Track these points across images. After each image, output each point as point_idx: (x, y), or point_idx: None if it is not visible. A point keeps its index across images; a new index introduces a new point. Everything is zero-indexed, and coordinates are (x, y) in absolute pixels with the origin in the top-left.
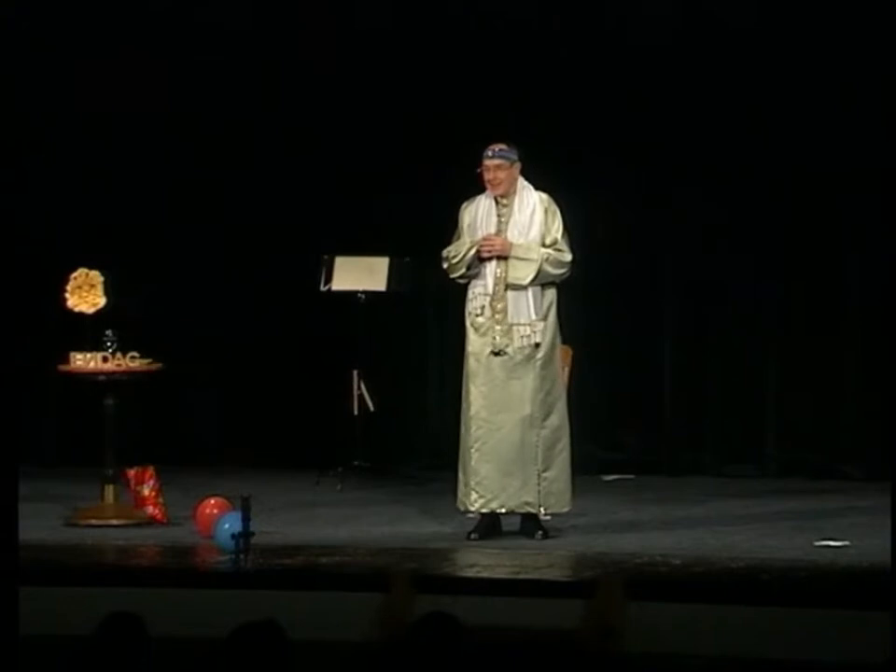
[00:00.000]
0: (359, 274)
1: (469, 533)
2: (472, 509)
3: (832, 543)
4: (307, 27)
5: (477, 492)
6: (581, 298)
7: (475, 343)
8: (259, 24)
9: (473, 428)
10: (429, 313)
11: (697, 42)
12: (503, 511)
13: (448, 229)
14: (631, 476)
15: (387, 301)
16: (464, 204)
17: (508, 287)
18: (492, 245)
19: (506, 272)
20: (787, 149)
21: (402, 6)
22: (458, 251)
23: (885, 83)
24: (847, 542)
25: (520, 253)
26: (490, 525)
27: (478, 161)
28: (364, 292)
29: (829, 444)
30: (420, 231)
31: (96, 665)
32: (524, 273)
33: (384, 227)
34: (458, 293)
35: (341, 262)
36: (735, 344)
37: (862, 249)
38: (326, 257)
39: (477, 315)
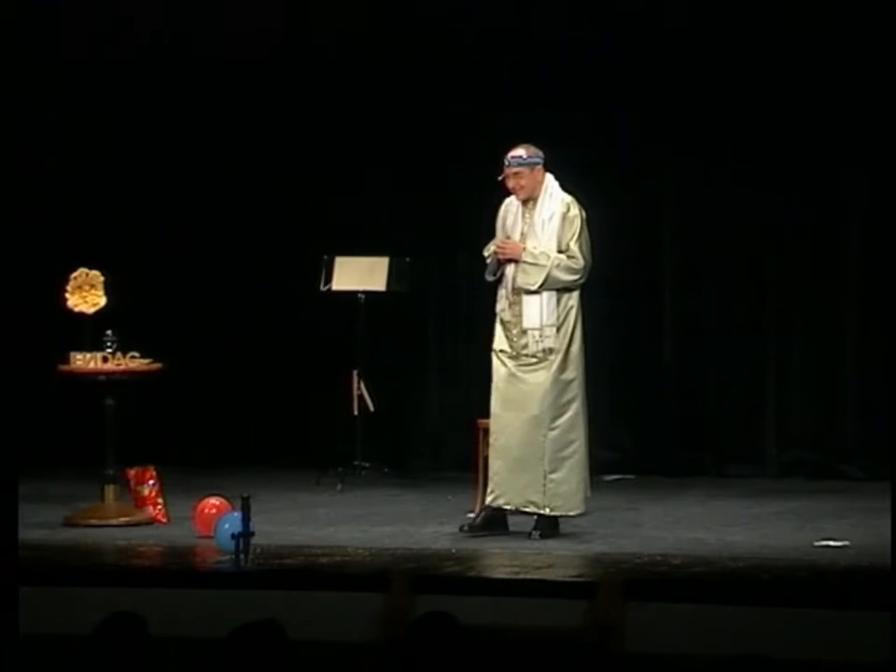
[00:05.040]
0: (359, 274)
1: (462, 526)
2: (486, 502)
3: (832, 543)
4: (309, 25)
5: (490, 486)
6: (581, 298)
7: (497, 342)
8: (260, 23)
9: (491, 424)
10: (429, 313)
11: (701, 40)
12: (509, 507)
13: (449, 229)
14: (631, 476)
15: (387, 301)
16: (503, 204)
17: (520, 291)
18: (503, 249)
19: (517, 276)
20: (786, 152)
21: (404, 5)
22: (488, 251)
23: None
24: (846, 542)
25: (530, 258)
26: (491, 521)
27: (482, 161)
28: (364, 292)
29: (829, 444)
30: (420, 231)
31: (97, 664)
32: (533, 278)
33: (384, 227)
34: (458, 293)
35: (341, 262)
36: (735, 345)
37: (863, 251)
38: (326, 257)
39: (501, 316)
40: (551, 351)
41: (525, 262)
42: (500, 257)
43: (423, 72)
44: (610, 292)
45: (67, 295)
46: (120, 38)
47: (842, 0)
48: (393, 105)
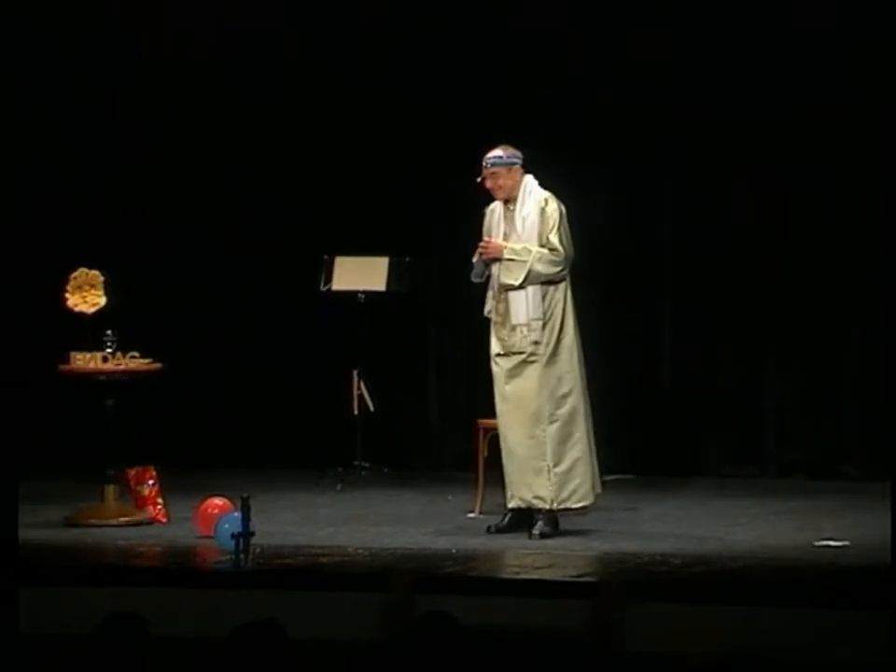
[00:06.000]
0: (359, 274)
1: (489, 527)
2: (509, 505)
3: (832, 543)
4: (307, 27)
5: (506, 487)
6: (580, 296)
7: (492, 345)
8: (261, 23)
9: (498, 426)
10: (429, 313)
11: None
12: (521, 506)
13: (449, 229)
14: (631, 476)
15: (387, 301)
16: (486, 209)
17: (505, 289)
18: (486, 249)
19: (500, 274)
20: (787, 154)
21: (404, 6)
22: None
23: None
24: (846, 542)
25: (512, 255)
26: (517, 522)
27: (478, 162)
28: (364, 292)
29: (829, 444)
30: (420, 230)
31: (97, 664)
32: (515, 274)
33: (384, 227)
34: (458, 293)
35: (341, 262)
36: (735, 344)
37: (864, 251)
38: (326, 257)
39: (490, 317)
40: (538, 344)
41: (507, 259)
42: (484, 257)
43: (423, 72)
44: (610, 291)
45: (67, 295)
46: (120, 40)
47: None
48: (393, 106)
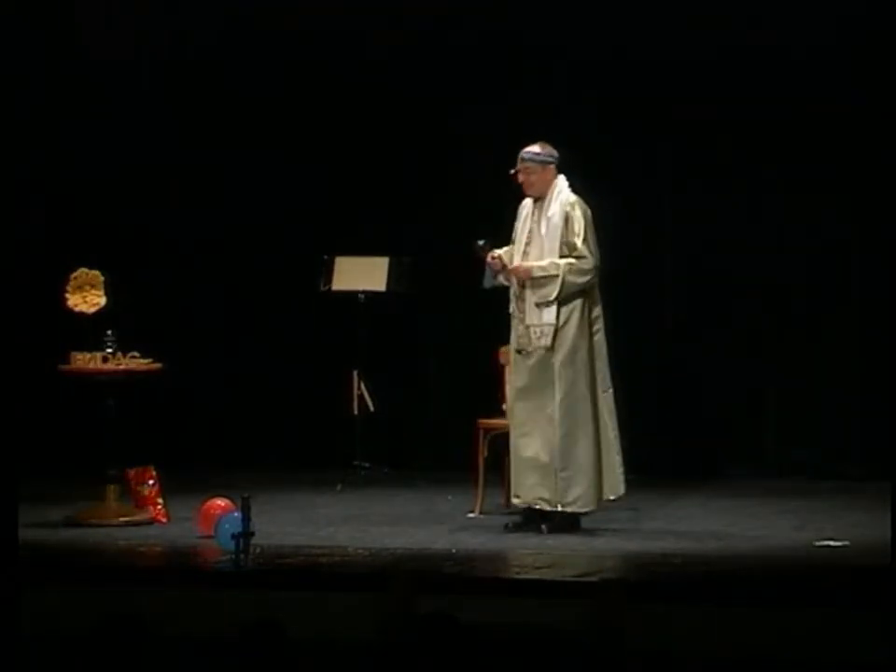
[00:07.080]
0: (359, 274)
1: (506, 524)
2: (514, 502)
3: (832, 543)
4: (310, 25)
5: (515, 485)
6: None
7: (511, 339)
8: (261, 23)
9: (509, 424)
10: (429, 313)
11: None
12: (523, 505)
13: (449, 229)
14: (631, 476)
15: (387, 301)
16: (521, 205)
17: (526, 287)
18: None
19: (530, 290)
20: (789, 155)
21: (404, 6)
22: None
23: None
24: (846, 542)
25: (541, 273)
26: (528, 521)
27: (478, 162)
28: (364, 292)
29: (829, 444)
30: (420, 231)
31: (96, 664)
32: (549, 289)
33: (384, 227)
34: (458, 293)
35: (341, 262)
36: (735, 344)
37: (866, 252)
38: (326, 257)
39: (510, 312)
40: (551, 349)
41: (537, 278)
42: (515, 280)
43: (423, 73)
44: (611, 291)
45: (67, 295)
46: (120, 40)
47: None
48: (393, 106)
